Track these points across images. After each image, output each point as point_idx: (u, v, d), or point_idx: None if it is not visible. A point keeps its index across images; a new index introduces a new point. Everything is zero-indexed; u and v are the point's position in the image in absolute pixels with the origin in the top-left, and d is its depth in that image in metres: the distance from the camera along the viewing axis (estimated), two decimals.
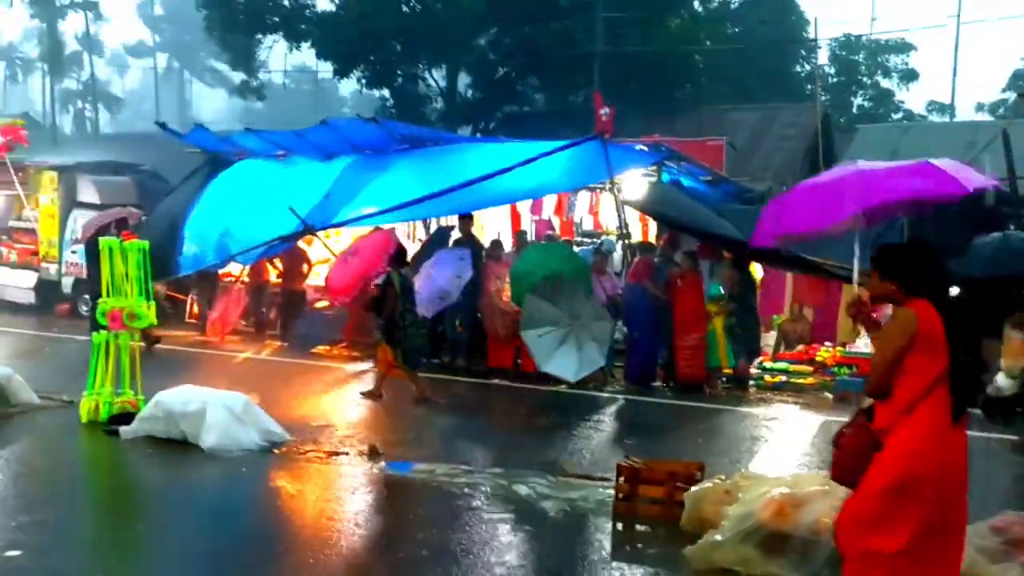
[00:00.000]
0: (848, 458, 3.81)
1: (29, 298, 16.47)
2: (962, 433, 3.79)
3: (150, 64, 44.32)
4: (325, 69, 24.75)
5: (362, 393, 9.67)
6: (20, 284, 16.65)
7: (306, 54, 24.99)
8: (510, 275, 11.56)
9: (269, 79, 27.21)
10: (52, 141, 31.62)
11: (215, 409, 7.45)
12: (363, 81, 23.86)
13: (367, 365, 12.36)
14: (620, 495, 6.10)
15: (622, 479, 6.12)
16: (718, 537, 5.03)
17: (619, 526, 5.83)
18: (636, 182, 13.07)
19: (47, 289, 16.14)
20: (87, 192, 16.75)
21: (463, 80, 23.53)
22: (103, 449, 7.38)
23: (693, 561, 4.97)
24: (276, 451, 7.33)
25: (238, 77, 26.14)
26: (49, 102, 37.22)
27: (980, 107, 35.21)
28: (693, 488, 5.80)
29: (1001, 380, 9.78)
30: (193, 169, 15.47)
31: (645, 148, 12.82)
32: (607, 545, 5.53)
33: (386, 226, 12.70)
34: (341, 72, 23.79)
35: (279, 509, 6.16)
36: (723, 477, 5.86)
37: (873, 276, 3.89)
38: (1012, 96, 32.72)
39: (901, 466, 3.65)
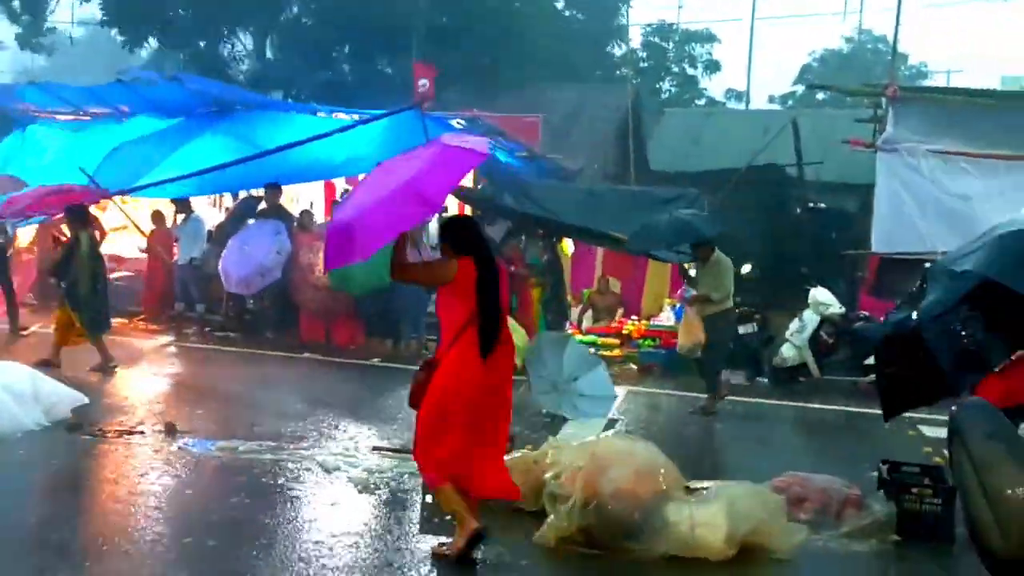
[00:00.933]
0: (415, 389, 4.78)
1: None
2: (495, 366, 4.70)
3: None
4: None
5: (36, 362, 8.64)
6: None
7: (95, 7, 23.02)
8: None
9: (56, 33, 24.86)
10: None
11: None
12: (162, 45, 22.32)
13: (168, 338, 11.76)
14: None
15: None
16: (558, 515, 5.08)
17: (428, 498, 5.82)
18: None
19: None
20: None
21: (273, 45, 22.56)
22: None
23: (543, 542, 5.01)
24: (67, 430, 6.81)
25: (12, 31, 23.71)
26: None
27: (772, 99, 37.73)
28: (504, 458, 5.87)
29: (786, 351, 10.58)
30: None
31: (463, 123, 12.83)
32: (416, 518, 5.51)
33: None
34: (132, 43, 21.93)
35: (66, 492, 5.71)
36: (531, 447, 5.97)
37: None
38: (801, 89, 35.29)
39: (435, 395, 4.66)
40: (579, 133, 19.83)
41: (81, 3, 23.24)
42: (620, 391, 9.98)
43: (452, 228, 4.95)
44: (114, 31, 22.23)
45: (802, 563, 4.97)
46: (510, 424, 5.05)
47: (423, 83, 15.26)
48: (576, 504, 5.05)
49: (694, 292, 9.10)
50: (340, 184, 14.18)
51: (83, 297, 9.04)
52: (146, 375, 9.49)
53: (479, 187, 12.83)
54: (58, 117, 13.88)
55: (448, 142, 4.86)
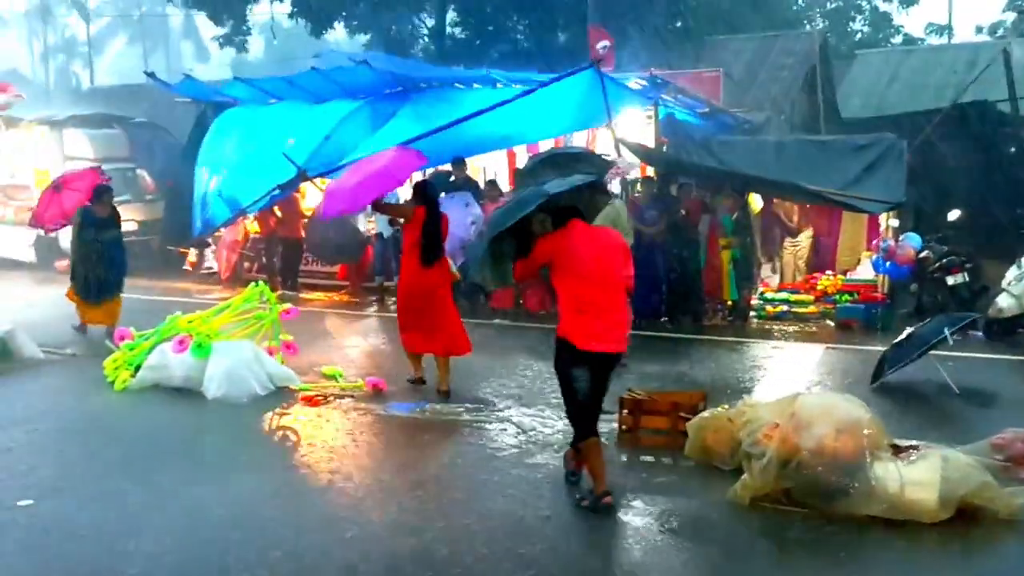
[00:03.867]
0: None
1: (29, 255, 16.42)
2: (432, 271, 7.42)
3: (132, 18, 43.56)
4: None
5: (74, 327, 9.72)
6: (19, 241, 16.60)
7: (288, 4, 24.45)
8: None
9: (255, 31, 26.55)
10: (44, 96, 31.25)
11: (219, 357, 7.50)
12: (349, 29, 23.40)
13: (371, 309, 12.43)
14: (624, 427, 6.16)
15: (625, 411, 6.16)
16: (752, 473, 5.04)
17: (624, 457, 5.89)
18: (633, 118, 12.92)
19: (45, 246, 16.08)
20: (79, 146, 16.61)
21: (452, 20, 23.09)
22: (110, 400, 7.43)
23: (736, 500, 4.99)
24: (282, 396, 7.41)
25: (219, 31, 25.51)
26: (36, 58, 36.79)
27: (979, 29, 34.55)
28: (696, 417, 5.84)
29: (1003, 301, 9.79)
30: (194, 125, 15.40)
31: (643, 83, 12.63)
32: (614, 476, 5.59)
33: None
34: (317, 31, 23.13)
35: (290, 451, 6.22)
36: (725, 406, 5.90)
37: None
38: (1012, 16, 32.14)
39: (398, 291, 7.93)
40: (763, 85, 19.04)
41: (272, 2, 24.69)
42: (818, 349, 9.64)
43: (415, 189, 7.77)
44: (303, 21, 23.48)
45: None
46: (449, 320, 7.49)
47: (603, 45, 15.15)
48: (772, 461, 4.96)
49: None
50: (522, 152, 14.39)
51: (76, 267, 9.71)
52: (350, 343, 10.08)
53: (663, 148, 12.62)
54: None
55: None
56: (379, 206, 7.66)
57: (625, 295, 5.24)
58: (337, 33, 26.34)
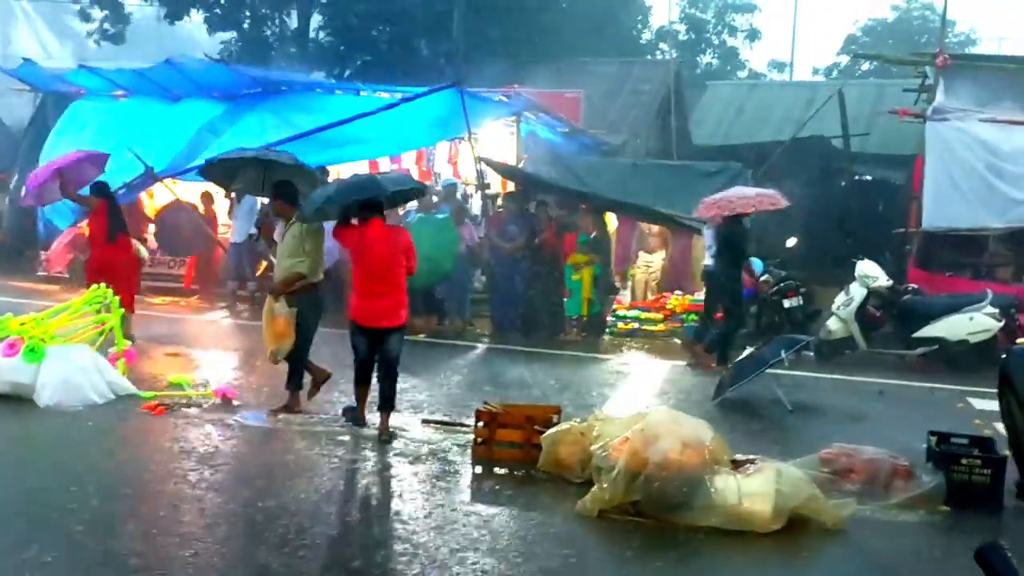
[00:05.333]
0: None
1: None
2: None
3: None
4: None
5: None
6: None
7: None
8: None
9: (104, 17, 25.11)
10: None
11: (53, 362, 7.06)
12: (208, 24, 22.57)
13: (222, 314, 12.03)
14: (479, 439, 6.21)
15: (481, 423, 6.22)
16: (601, 486, 5.15)
17: (478, 469, 5.94)
18: (495, 133, 13.11)
19: None
20: None
21: (316, 24, 22.67)
22: None
23: (585, 513, 5.09)
24: (121, 405, 7.05)
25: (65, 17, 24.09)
26: None
27: (816, 70, 37.07)
28: (549, 431, 5.96)
29: (832, 324, 10.50)
30: (33, 115, 14.47)
31: (505, 99, 12.85)
32: (467, 487, 5.63)
33: None
34: (173, 15, 22.17)
35: (125, 461, 5.91)
36: (578, 420, 6.05)
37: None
38: (846, 59, 34.61)
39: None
40: (621, 108, 19.71)
41: None
42: (665, 365, 10.04)
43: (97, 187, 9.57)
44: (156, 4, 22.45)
45: (851, 535, 4.99)
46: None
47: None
48: (621, 474, 5.12)
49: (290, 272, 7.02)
50: (385, 164, 14.31)
51: None
52: (199, 350, 9.71)
53: (521, 164, 12.86)
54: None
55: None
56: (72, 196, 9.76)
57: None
58: (194, 27, 25.35)
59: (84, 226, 13.53)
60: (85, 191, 9.99)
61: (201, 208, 13.37)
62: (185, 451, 6.06)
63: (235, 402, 7.29)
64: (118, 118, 13.42)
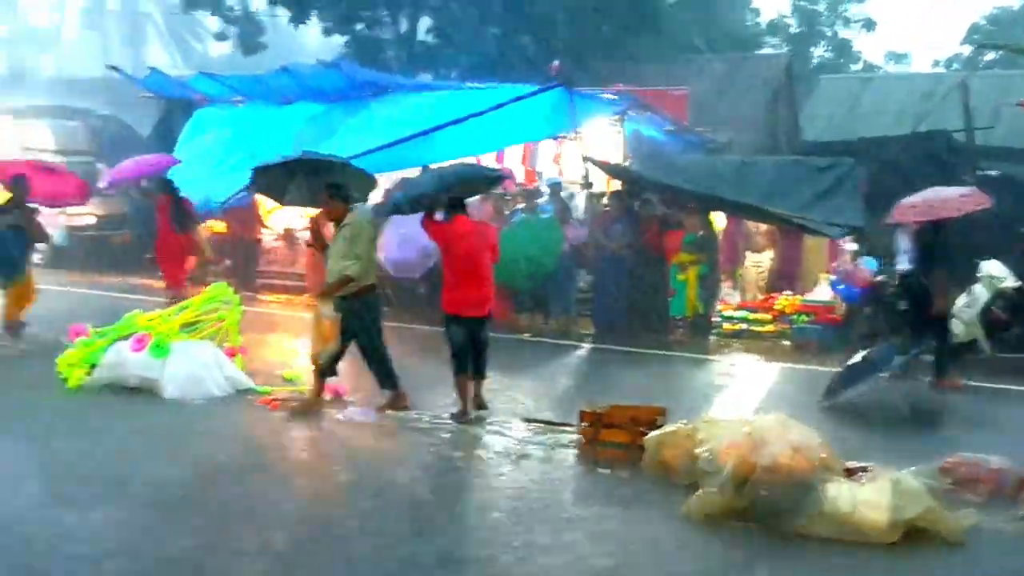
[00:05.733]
0: None
1: None
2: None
3: (96, 11, 42.80)
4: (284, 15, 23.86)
5: None
6: None
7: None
8: None
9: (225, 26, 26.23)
10: (6, 85, 30.60)
11: (177, 358, 7.42)
12: (324, 28, 23.34)
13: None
14: (583, 439, 6.21)
15: (585, 423, 6.22)
16: (708, 490, 5.09)
17: (582, 469, 5.94)
18: (600, 131, 13.04)
19: None
20: (39, 137, 16.31)
21: (425, 25, 23.11)
22: (62, 398, 7.30)
23: (690, 516, 5.04)
24: (239, 399, 7.34)
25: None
26: None
27: (936, 63, 35.46)
28: (654, 433, 5.91)
29: (954, 326, 10.01)
30: (157, 121, 15.23)
31: (612, 97, 12.79)
32: (570, 488, 5.64)
33: None
34: (297, 18, 23.06)
35: (250, 454, 6.16)
36: (684, 422, 5.98)
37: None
38: (969, 50, 33.01)
39: None
40: (728, 105, 19.34)
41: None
42: (773, 368, 9.80)
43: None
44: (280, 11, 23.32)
45: (972, 549, 4.76)
46: None
47: (555, 64, 15.28)
48: (728, 479, 5.03)
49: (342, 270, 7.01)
50: (489, 159, 14.44)
51: None
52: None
53: (627, 163, 12.76)
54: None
55: None
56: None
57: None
58: (312, 32, 26.20)
59: (207, 225, 14.18)
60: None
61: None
62: (298, 444, 6.27)
63: (345, 398, 7.49)
64: (236, 122, 13.98)
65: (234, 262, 14.02)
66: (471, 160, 13.94)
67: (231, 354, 7.97)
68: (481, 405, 7.07)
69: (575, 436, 6.36)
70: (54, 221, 13.00)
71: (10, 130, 16.31)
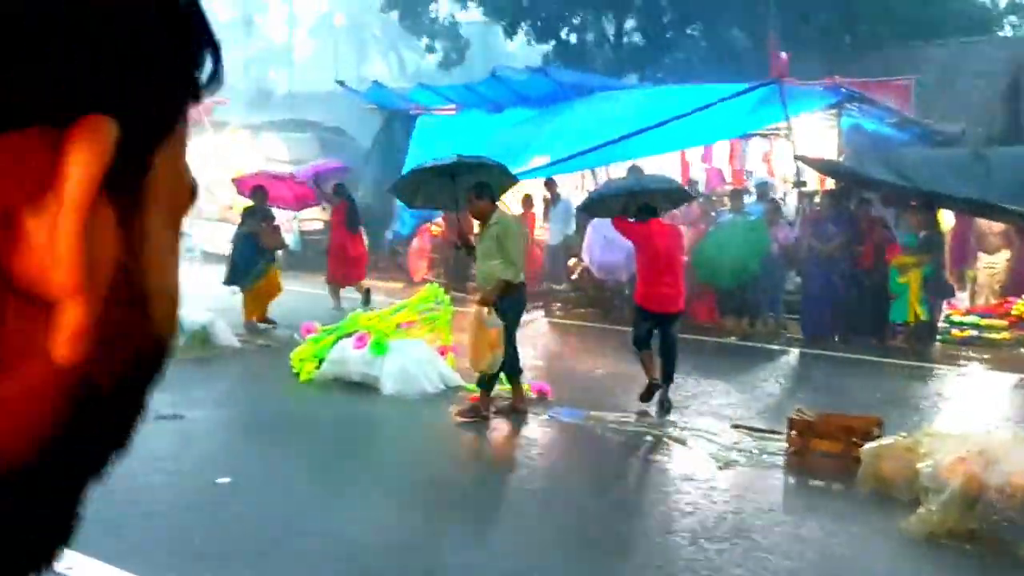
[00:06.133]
0: None
1: (227, 249, 17.70)
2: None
3: (324, 26, 46.07)
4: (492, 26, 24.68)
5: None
6: (219, 236, 17.97)
7: (471, 13, 25.12)
8: (694, 253, 11.26)
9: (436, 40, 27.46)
10: (246, 101, 33.67)
11: (395, 355, 7.88)
12: (530, 36, 23.89)
13: (537, 314, 12.65)
14: (792, 448, 6.02)
15: (794, 432, 6.02)
16: (930, 508, 4.82)
17: (791, 479, 5.76)
18: (813, 127, 12.52)
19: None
20: (275, 149, 17.82)
21: (630, 27, 23.09)
22: (295, 390, 7.97)
23: (910, 534, 4.80)
24: (450, 396, 7.69)
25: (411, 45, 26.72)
26: (240, 65, 39.79)
27: None
28: (870, 444, 5.63)
29: None
30: (378, 131, 16.20)
31: (824, 91, 12.23)
32: (779, 498, 5.49)
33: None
34: (510, 31, 23.74)
35: (444, 449, 6.47)
36: (904, 434, 5.65)
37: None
38: None
39: None
40: (959, 93, 17.90)
41: (459, 9, 25.45)
42: (1008, 379, 9.02)
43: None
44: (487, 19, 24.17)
45: None
46: None
47: (783, 54, 14.73)
48: (955, 497, 4.71)
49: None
50: (696, 161, 14.24)
51: None
52: (519, 347, 10.29)
53: (842, 158, 12.16)
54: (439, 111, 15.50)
55: None
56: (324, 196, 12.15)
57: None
58: (518, 39, 26.91)
59: (431, 226, 14.94)
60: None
61: (520, 211, 14.15)
62: (506, 442, 6.50)
63: (550, 398, 7.66)
64: (451, 130, 14.64)
65: (447, 263, 14.66)
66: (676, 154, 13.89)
67: (443, 352, 8.37)
68: (667, 406, 7.10)
69: (782, 444, 6.17)
70: (288, 227, 14.22)
71: (251, 144, 17.94)
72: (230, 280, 10.72)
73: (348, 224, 12.16)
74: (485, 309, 6.83)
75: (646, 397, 7.17)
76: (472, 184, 7.15)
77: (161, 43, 0.33)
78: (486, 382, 6.94)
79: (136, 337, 0.34)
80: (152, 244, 0.34)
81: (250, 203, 11.08)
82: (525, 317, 12.29)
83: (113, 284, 0.31)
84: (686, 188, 9.78)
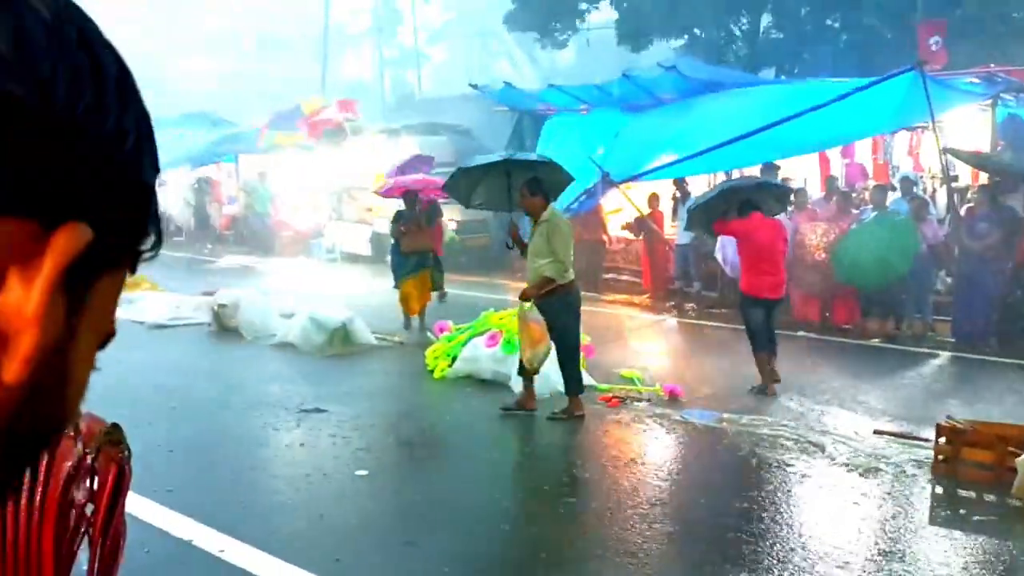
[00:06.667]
0: None
1: (366, 250, 18.38)
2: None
3: (460, 32, 46.95)
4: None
5: None
6: (358, 237, 18.64)
7: (604, 11, 24.91)
8: (834, 252, 10.88)
9: (571, 37, 27.41)
10: (383, 105, 34.75)
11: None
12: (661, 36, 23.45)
13: (668, 315, 12.50)
14: (940, 456, 5.73)
15: (943, 440, 5.73)
16: None
17: (939, 489, 5.49)
18: (965, 118, 11.85)
19: (379, 242, 17.91)
20: (411, 152, 18.29)
21: (766, 21, 22.38)
22: (429, 387, 8.17)
23: None
24: (583, 395, 7.70)
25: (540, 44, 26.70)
26: (376, 70, 41.06)
27: None
28: None
29: None
30: (511, 132, 16.33)
31: (976, 81, 11.54)
32: (925, 508, 5.23)
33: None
34: (636, 47, 23.25)
35: (577, 448, 6.49)
36: None
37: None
38: None
39: None
40: None
41: (588, 12, 25.31)
42: None
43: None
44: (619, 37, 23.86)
45: None
46: None
47: (935, 41, 14.00)
48: None
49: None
50: (836, 156, 13.73)
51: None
52: (649, 350, 10.22)
53: (997, 150, 11.46)
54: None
55: None
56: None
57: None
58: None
59: None
60: None
61: (648, 210, 14.01)
62: (636, 442, 6.47)
63: (682, 399, 7.57)
64: (582, 130, 14.65)
65: (579, 263, 14.63)
66: (815, 155, 13.43)
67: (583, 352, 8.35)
68: (775, 378, 7.75)
69: (929, 452, 5.88)
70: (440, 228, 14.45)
71: (389, 148, 18.49)
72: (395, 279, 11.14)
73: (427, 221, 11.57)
74: (525, 304, 6.85)
75: (756, 391, 7.75)
76: (525, 181, 7.11)
77: (129, 199, 0.46)
78: (570, 386, 6.99)
79: (52, 402, 0.45)
80: (80, 344, 0.46)
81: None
82: (654, 317, 12.35)
83: (53, 348, 0.43)
84: (779, 183, 10.06)
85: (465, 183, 8.36)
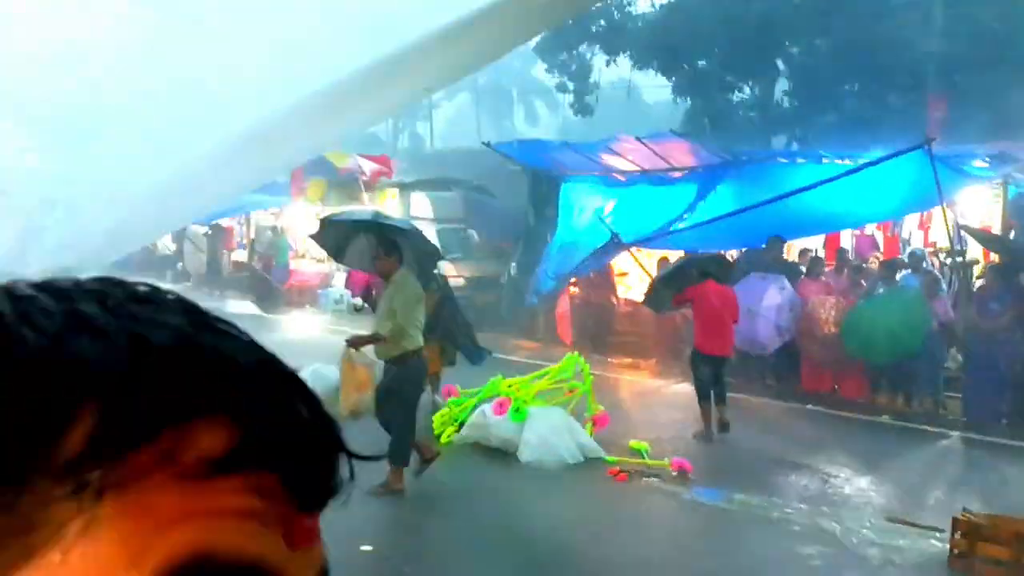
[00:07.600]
0: None
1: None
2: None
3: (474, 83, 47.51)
4: (646, 83, 24.64)
5: None
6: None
7: (621, 67, 25.23)
8: (844, 325, 10.86)
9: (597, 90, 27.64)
10: (394, 158, 35.02)
11: (534, 423, 7.89)
12: (674, 91, 23.65)
13: (674, 381, 12.42)
14: (955, 551, 5.63)
15: (958, 534, 5.63)
16: None
17: None
18: (976, 194, 11.89)
19: None
20: (422, 207, 18.38)
21: (780, 88, 22.58)
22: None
23: None
24: (589, 467, 7.62)
25: (563, 97, 27.02)
26: (391, 122, 41.48)
27: None
28: None
29: None
30: (529, 187, 16.36)
31: (985, 163, 11.56)
32: None
33: None
34: (671, 86, 23.55)
35: (583, 526, 6.38)
36: None
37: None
38: None
39: None
40: None
41: (608, 65, 25.61)
42: None
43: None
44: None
45: None
46: None
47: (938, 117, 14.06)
48: None
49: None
50: (846, 236, 13.76)
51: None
52: (656, 418, 10.12)
53: (1011, 233, 11.47)
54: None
55: None
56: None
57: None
58: (658, 97, 26.84)
59: (569, 288, 14.98)
60: None
61: (656, 272, 13.98)
62: (642, 521, 6.37)
63: (691, 475, 7.47)
64: (590, 192, 14.73)
65: (587, 325, 14.61)
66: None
67: (593, 422, 8.29)
68: (724, 426, 8.68)
69: (943, 544, 5.77)
70: None
71: (400, 202, 18.58)
72: None
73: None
74: (352, 349, 6.61)
75: (699, 438, 8.67)
76: (381, 242, 6.88)
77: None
78: (396, 457, 6.50)
79: None
80: None
81: None
82: (662, 383, 12.24)
83: None
84: (724, 257, 10.99)
85: (333, 235, 7.91)
